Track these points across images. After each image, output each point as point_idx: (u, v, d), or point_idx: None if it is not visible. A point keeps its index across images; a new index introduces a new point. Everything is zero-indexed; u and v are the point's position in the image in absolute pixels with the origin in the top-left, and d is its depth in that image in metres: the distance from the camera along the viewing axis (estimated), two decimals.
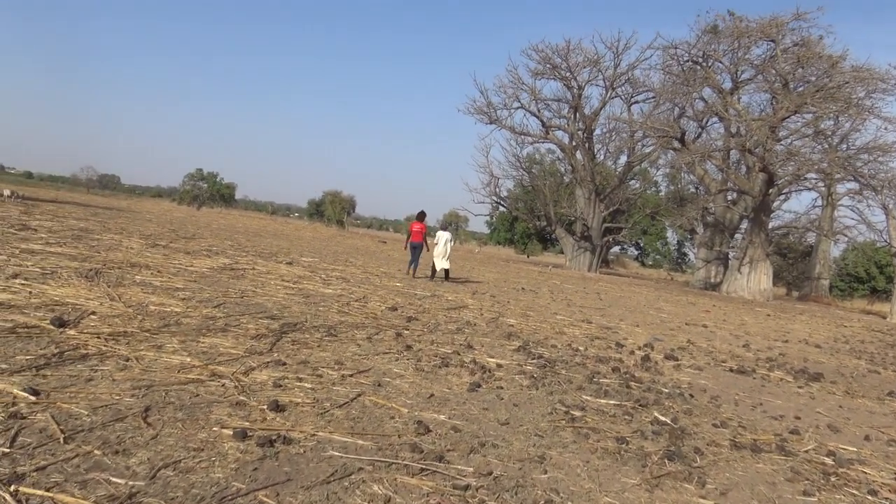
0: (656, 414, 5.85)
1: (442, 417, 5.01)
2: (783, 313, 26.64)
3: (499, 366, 7.23)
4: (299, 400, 4.97)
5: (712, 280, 44.35)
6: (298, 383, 5.42)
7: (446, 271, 18.22)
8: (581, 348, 9.26)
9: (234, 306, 8.74)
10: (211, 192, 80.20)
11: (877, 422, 7.03)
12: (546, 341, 9.52)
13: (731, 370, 9.13)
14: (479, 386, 6.15)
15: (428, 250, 18.77)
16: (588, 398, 6.24)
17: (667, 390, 7.06)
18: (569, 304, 16.54)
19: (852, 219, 46.76)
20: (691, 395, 6.98)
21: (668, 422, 5.65)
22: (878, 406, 8.05)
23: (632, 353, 9.54)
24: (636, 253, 79.55)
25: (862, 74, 33.10)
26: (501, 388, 6.25)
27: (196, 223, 32.21)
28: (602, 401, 6.20)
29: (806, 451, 5.33)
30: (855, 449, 5.63)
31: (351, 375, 5.92)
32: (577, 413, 5.61)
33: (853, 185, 42.40)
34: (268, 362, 5.95)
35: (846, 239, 52.53)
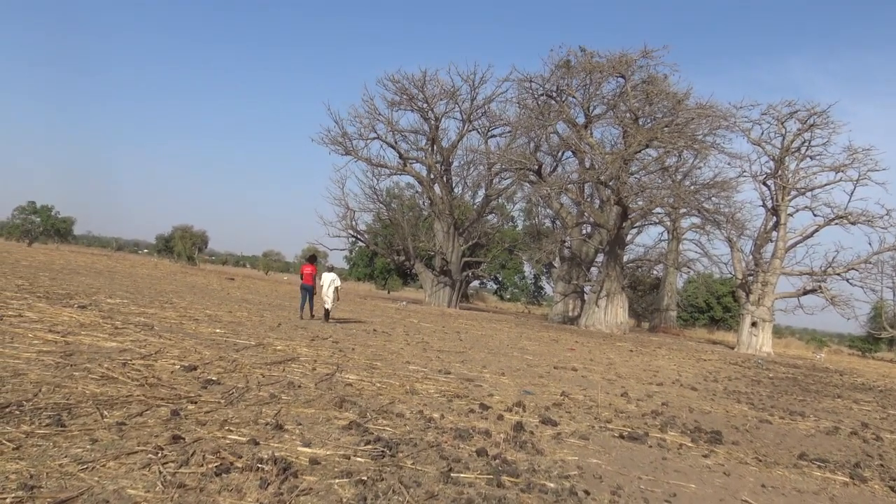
0: None
1: None
2: (643, 347, 26.11)
3: (314, 462, 4.87)
4: None
5: (570, 314, 44.22)
6: None
7: (327, 311, 18.47)
8: (436, 416, 7.10)
9: None
10: (45, 226, 72.14)
11: None
12: (391, 408, 7.27)
13: (622, 437, 7.30)
14: None
15: (316, 293, 18.93)
16: None
17: (553, 485, 5.01)
18: (425, 349, 14.43)
19: (695, 252, 48.75)
20: (587, 492, 4.96)
21: None
22: (800, 478, 6.47)
23: (500, 417, 7.50)
24: (495, 287, 79.72)
25: (706, 112, 34.15)
26: None
27: (2, 260, 27.20)
28: None
29: None
30: None
31: None
32: None
33: (696, 220, 44.16)
34: None
35: (690, 271, 54.95)
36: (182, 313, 14.84)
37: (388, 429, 6.20)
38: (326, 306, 18.40)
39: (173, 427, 5.28)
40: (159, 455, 4.55)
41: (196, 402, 6.23)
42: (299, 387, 7.78)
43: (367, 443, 5.54)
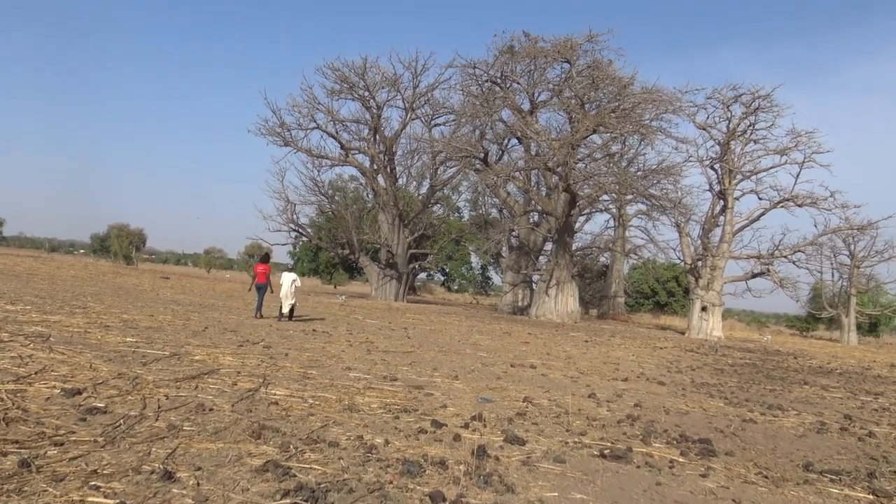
0: None
1: None
2: (597, 337, 25.31)
3: None
4: None
5: (520, 303, 43.40)
6: None
7: (291, 310, 18.34)
8: (379, 441, 5.79)
9: None
10: None
11: None
12: (323, 434, 5.92)
13: (604, 455, 6.12)
14: None
15: (272, 291, 19.13)
16: None
17: None
18: (369, 350, 13.08)
19: (642, 238, 48.48)
20: None
21: None
22: (820, 500, 5.41)
23: (456, 438, 6.23)
24: (442, 278, 78.64)
25: (652, 96, 33.53)
26: None
27: None
28: None
29: None
30: None
31: None
32: None
33: (642, 206, 43.75)
34: None
35: (637, 258, 54.80)
36: (93, 319, 13.11)
37: (315, 467, 4.85)
38: (285, 309, 18.19)
39: (13, 489, 3.84)
40: None
41: (63, 444, 4.76)
42: (210, 410, 6.35)
43: (286, 493, 4.19)
